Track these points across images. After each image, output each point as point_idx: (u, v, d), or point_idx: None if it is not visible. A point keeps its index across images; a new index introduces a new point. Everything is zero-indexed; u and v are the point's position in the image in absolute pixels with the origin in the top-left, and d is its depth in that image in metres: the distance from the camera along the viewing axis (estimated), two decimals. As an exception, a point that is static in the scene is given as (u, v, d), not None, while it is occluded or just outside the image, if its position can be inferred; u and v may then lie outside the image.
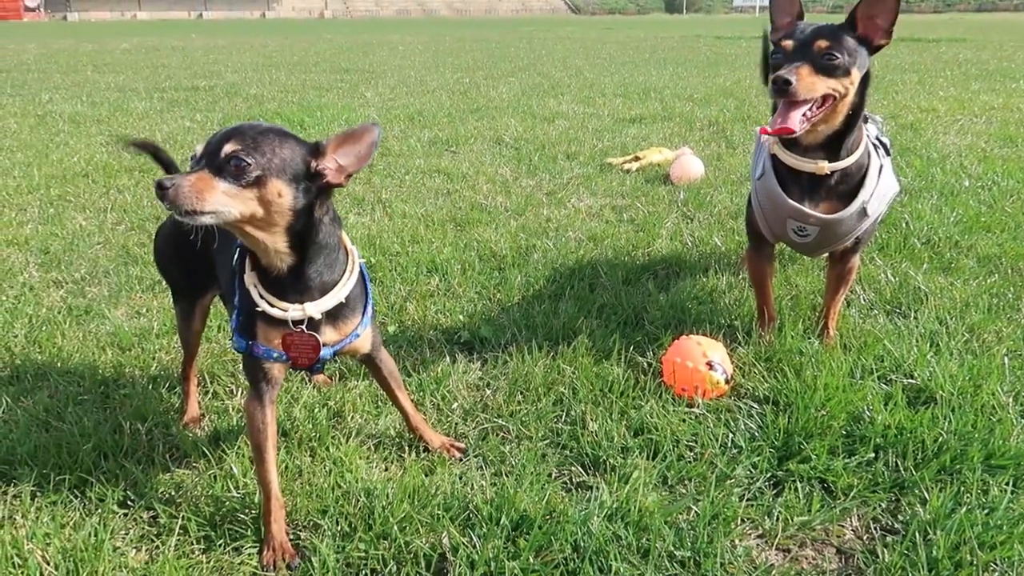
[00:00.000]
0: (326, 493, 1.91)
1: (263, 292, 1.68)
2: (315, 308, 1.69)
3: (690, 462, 2.04)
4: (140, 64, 15.84)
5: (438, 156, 6.07)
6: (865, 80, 2.23)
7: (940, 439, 2.04)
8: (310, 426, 2.23)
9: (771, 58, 2.25)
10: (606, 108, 8.51)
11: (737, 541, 1.77)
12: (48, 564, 1.68)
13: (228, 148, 1.49)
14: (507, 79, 12.10)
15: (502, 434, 2.21)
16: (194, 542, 1.78)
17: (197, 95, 10.23)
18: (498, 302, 3.14)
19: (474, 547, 1.70)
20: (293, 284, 1.67)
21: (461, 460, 2.10)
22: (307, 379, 2.49)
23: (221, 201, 1.47)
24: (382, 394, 2.26)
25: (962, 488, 1.87)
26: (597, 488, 1.92)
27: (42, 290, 3.33)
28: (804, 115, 2.15)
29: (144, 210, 4.52)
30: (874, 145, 2.45)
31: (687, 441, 2.13)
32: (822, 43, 2.12)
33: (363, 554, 1.71)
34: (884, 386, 2.34)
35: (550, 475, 2.02)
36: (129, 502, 1.92)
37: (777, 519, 1.83)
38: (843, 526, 1.83)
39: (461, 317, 2.98)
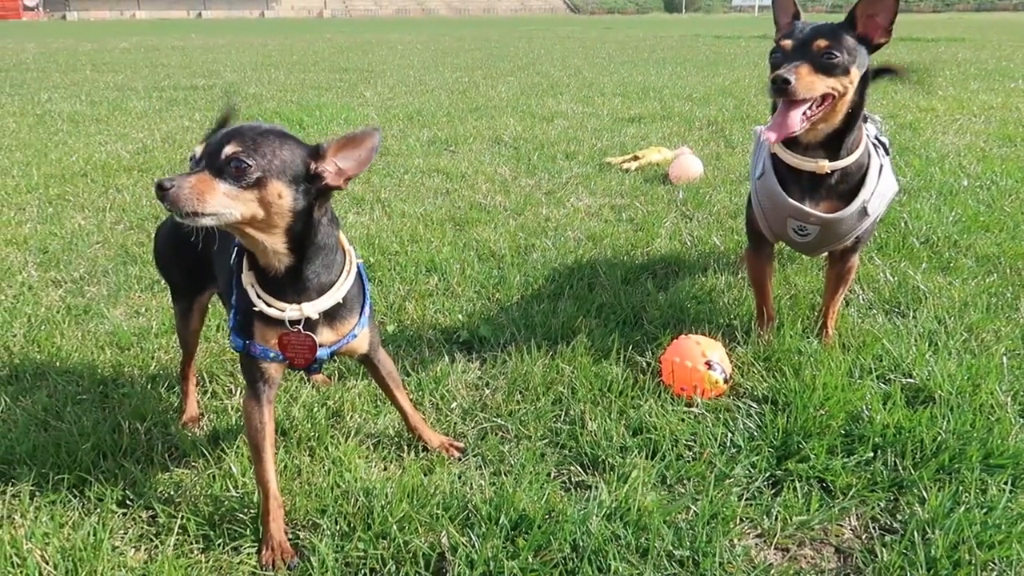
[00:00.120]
0: (325, 492, 1.91)
1: (260, 292, 1.69)
2: (312, 308, 1.69)
3: (689, 461, 2.04)
4: (139, 63, 15.83)
5: (437, 155, 6.06)
6: (865, 79, 2.23)
7: (939, 438, 2.04)
8: (309, 425, 2.23)
9: (770, 58, 2.26)
10: (605, 107, 8.51)
11: (736, 540, 1.77)
12: (47, 563, 1.68)
13: (229, 150, 1.49)
14: (506, 78, 12.10)
15: (501, 433, 2.22)
16: (193, 541, 1.79)
17: (196, 94, 10.23)
18: (497, 301, 3.14)
19: (473, 546, 1.70)
20: (291, 284, 1.67)
21: (460, 459, 2.10)
22: (306, 379, 2.49)
23: (222, 203, 1.47)
24: (381, 394, 2.26)
25: (960, 487, 1.88)
26: (596, 487, 1.92)
27: (41, 289, 3.33)
28: (804, 114, 2.15)
29: (143, 209, 4.52)
30: (874, 144, 2.45)
31: (686, 440, 2.13)
32: (821, 42, 2.13)
33: (362, 553, 1.71)
34: (883, 385, 2.34)
35: (549, 474, 2.02)
36: (128, 501, 1.92)
37: (776, 518, 1.83)
38: (842, 525, 1.83)
39: (460, 316, 2.98)
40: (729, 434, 2.14)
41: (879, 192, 2.37)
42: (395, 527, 1.76)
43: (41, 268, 3.60)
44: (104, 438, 2.15)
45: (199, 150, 1.54)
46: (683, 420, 2.21)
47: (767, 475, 1.99)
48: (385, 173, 5.44)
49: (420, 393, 2.42)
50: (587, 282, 3.29)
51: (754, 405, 2.28)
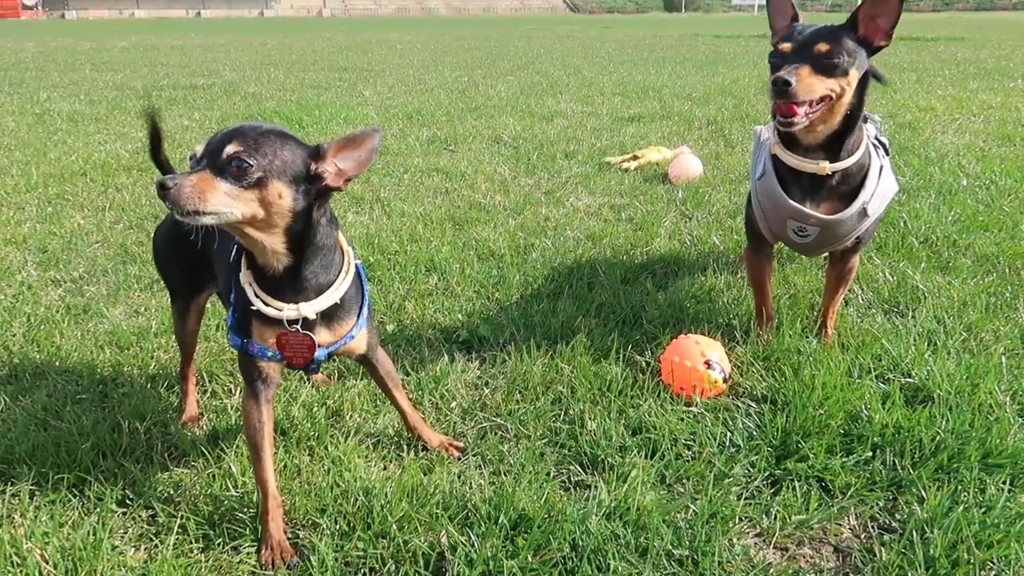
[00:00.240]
0: (324, 492, 1.91)
1: (258, 291, 1.69)
2: (310, 308, 1.69)
3: (688, 461, 2.05)
4: (138, 62, 15.81)
5: (436, 155, 6.06)
6: (864, 80, 2.23)
7: (937, 438, 2.04)
8: (308, 425, 2.23)
9: (770, 59, 2.26)
10: (605, 107, 8.51)
11: (735, 540, 1.77)
12: (47, 563, 1.68)
13: (230, 149, 1.49)
14: (506, 78, 12.10)
15: (500, 433, 2.22)
16: (192, 541, 1.79)
17: (195, 93, 10.22)
18: (496, 301, 3.14)
19: (472, 546, 1.70)
20: (289, 284, 1.68)
21: (459, 459, 2.10)
22: (305, 379, 2.49)
23: (223, 202, 1.47)
24: (380, 393, 2.26)
25: (959, 487, 1.88)
26: (595, 487, 1.93)
27: (40, 289, 3.33)
28: (804, 113, 2.16)
29: (142, 209, 4.52)
30: (874, 145, 2.45)
31: (685, 440, 2.13)
32: (822, 45, 2.13)
33: (362, 553, 1.71)
34: (882, 385, 2.35)
35: (548, 474, 2.02)
36: (128, 501, 1.92)
37: (775, 518, 1.83)
38: (841, 525, 1.84)
39: (459, 316, 2.99)
40: (728, 433, 2.14)
41: (879, 193, 2.38)
42: (395, 526, 1.76)
43: (40, 267, 3.59)
44: (104, 437, 2.15)
45: (200, 149, 1.54)
46: (682, 419, 2.22)
47: (766, 474, 1.99)
48: (384, 172, 5.44)
49: (419, 393, 2.42)
50: (586, 282, 3.29)
51: (753, 405, 2.29)
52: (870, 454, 2.02)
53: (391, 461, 2.10)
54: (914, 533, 1.73)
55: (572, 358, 2.56)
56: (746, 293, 3.05)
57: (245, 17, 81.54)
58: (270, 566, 1.72)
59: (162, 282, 2.41)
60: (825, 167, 2.29)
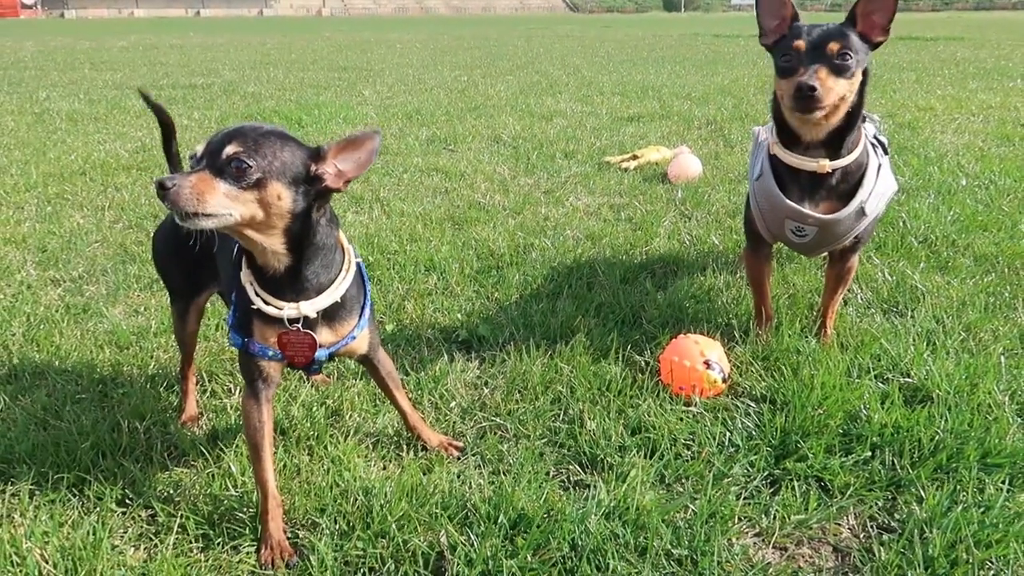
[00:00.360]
0: (324, 492, 1.91)
1: (259, 290, 1.69)
2: (310, 307, 1.69)
3: (687, 461, 2.05)
4: (138, 62, 15.81)
5: (436, 154, 6.06)
6: (864, 78, 2.23)
7: (936, 438, 2.04)
8: (308, 424, 2.23)
9: (780, 61, 2.23)
10: (604, 107, 8.51)
11: (734, 539, 1.77)
12: (47, 563, 1.68)
13: (230, 150, 1.49)
14: (505, 77, 12.10)
15: (500, 433, 2.22)
16: (192, 541, 1.79)
17: (195, 93, 10.22)
18: (496, 301, 3.14)
19: (472, 546, 1.71)
20: (290, 284, 1.68)
21: (459, 459, 2.10)
22: (305, 379, 2.49)
23: (222, 203, 1.48)
24: (380, 393, 2.27)
25: (958, 486, 1.88)
26: (595, 487, 1.93)
27: (40, 288, 3.33)
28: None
29: (142, 208, 4.52)
30: (872, 144, 2.45)
31: (684, 440, 2.13)
32: (834, 45, 2.12)
33: (361, 552, 1.72)
34: (881, 385, 2.35)
35: (548, 474, 2.02)
36: (127, 501, 1.92)
37: (774, 517, 1.83)
38: (840, 524, 1.84)
39: (459, 316, 2.99)
40: (727, 433, 2.14)
41: (877, 192, 2.37)
42: (394, 526, 1.76)
43: (40, 267, 3.59)
44: (103, 437, 2.15)
45: (200, 149, 1.54)
46: (681, 419, 2.22)
47: (765, 474, 1.99)
48: (384, 172, 5.44)
49: (419, 392, 2.42)
50: (586, 281, 3.29)
51: (752, 404, 2.29)
52: (869, 454, 2.03)
53: (391, 461, 2.10)
54: (913, 533, 1.73)
55: (571, 358, 2.56)
56: (745, 293, 3.06)
57: (244, 16, 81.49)
58: (270, 566, 1.72)
59: (162, 283, 2.41)
60: (825, 165, 2.28)
